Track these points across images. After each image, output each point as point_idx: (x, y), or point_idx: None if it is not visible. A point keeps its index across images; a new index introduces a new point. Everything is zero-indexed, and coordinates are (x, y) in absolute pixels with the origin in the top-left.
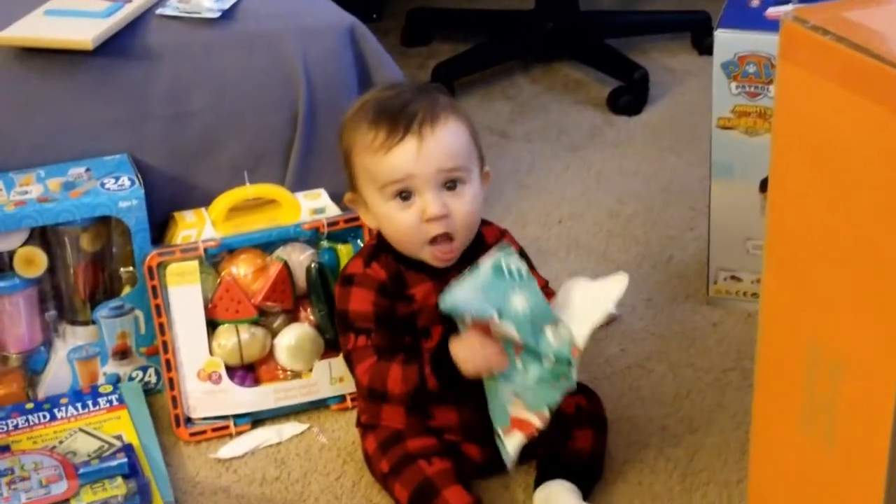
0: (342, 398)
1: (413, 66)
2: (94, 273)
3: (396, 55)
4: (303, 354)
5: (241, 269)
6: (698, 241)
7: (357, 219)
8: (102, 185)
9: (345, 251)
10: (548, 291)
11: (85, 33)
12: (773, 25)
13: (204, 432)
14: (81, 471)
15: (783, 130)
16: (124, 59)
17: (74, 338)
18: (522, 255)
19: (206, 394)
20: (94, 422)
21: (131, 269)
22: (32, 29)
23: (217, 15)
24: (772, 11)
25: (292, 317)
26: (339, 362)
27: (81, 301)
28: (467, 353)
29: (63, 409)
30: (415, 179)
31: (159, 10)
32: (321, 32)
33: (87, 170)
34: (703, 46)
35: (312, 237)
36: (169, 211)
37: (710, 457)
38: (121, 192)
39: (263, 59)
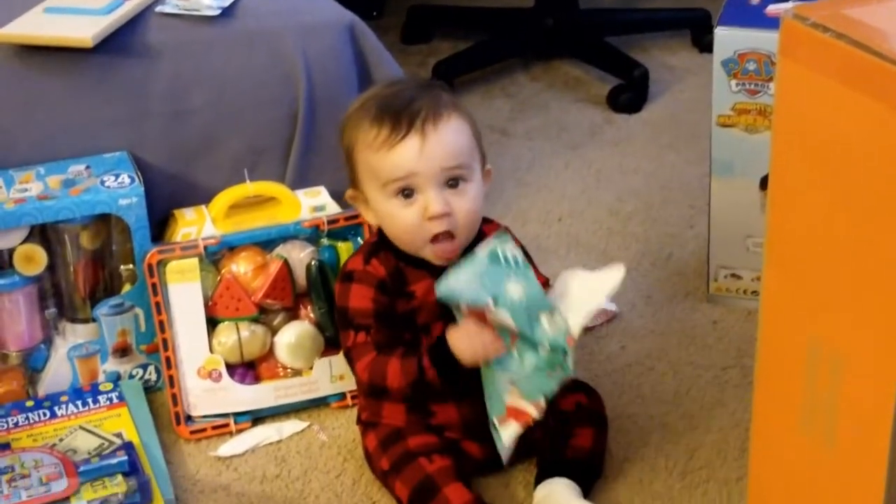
0: (342, 396)
1: (413, 63)
2: (94, 271)
3: (396, 53)
4: (303, 352)
5: (241, 266)
6: (698, 238)
7: (357, 216)
8: (102, 182)
9: (345, 249)
10: (548, 290)
11: (85, 31)
12: (773, 23)
13: (204, 430)
14: (81, 468)
15: (783, 128)
16: (124, 56)
17: (74, 335)
18: (523, 252)
19: (206, 391)
20: (94, 419)
21: (131, 266)
22: (32, 26)
23: (217, 12)
24: (772, 9)
25: (292, 314)
26: (339, 360)
27: (81, 299)
28: (464, 340)
29: (63, 406)
30: (417, 177)
31: (159, 8)
32: (321, 30)
33: (87, 167)
34: (703, 44)
35: (312, 235)
36: (169, 208)
37: (710, 454)
38: (121, 190)
39: (263, 56)
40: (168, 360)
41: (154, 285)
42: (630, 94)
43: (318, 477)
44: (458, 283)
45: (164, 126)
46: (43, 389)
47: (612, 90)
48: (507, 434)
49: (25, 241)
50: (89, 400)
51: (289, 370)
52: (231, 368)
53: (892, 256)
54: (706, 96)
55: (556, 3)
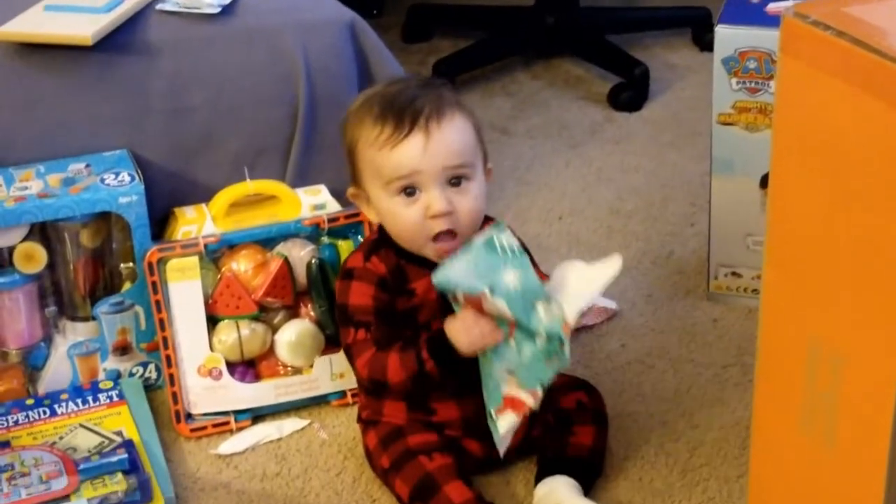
0: (343, 394)
1: (413, 62)
2: (94, 269)
3: (397, 51)
4: (303, 350)
5: (241, 264)
6: (699, 237)
7: (358, 214)
8: (102, 180)
9: (345, 247)
10: (546, 282)
11: (84, 29)
12: (773, 21)
13: (204, 428)
14: (82, 466)
15: (784, 126)
16: (124, 54)
17: (74, 334)
18: (524, 249)
19: (206, 389)
20: (94, 417)
21: (131, 264)
22: (32, 24)
23: (217, 10)
24: (772, 7)
25: (293, 313)
26: (339, 358)
27: (81, 297)
28: (461, 330)
29: (63, 404)
30: (420, 175)
31: (159, 6)
32: (321, 28)
33: (87, 165)
34: (704, 42)
35: (313, 233)
36: (169, 207)
37: (710, 452)
38: (121, 188)
39: (263, 54)
40: (168, 358)
41: (154, 283)
42: (631, 93)
43: (319, 475)
44: (455, 272)
45: (164, 124)
46: (43, 387)
47: (613, 88)
48: (503, 425)
49: (25, 239)
50: (89, 398)
51: (289, 368)
52: (231, 366)
53: (893, 255)
54: (707, 94)
55: (557, 1)
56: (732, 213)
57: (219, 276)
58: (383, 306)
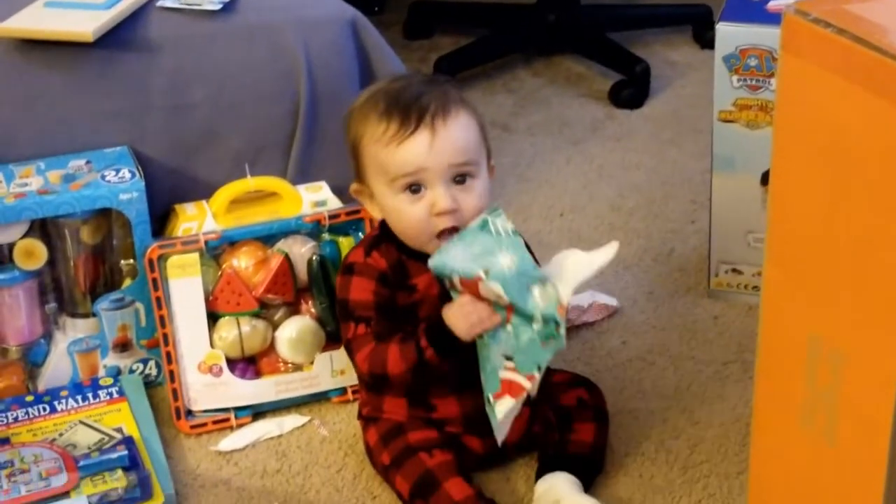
0: (343, 391)
1: (415, 59)
2: (94, 265)
3: (398, 48)
4: (304, 347)
5: (242, 261)
6: (699, 234)
7: (358, 211)
8: (103, 177)
9: (346, 244)
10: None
11: (85, 25)
12: (774, 18)
13: (205, 425)
14: (81, 463)
15: (785, 123)
16: (125, 51)
17: (75, 330)
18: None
19: (206, 386)
20: (94, 414)
21: (132, 261)
22: (33, 20)
23: (218, 7)
24: (773, 4)
25: (293, 309)
26: (340, 355)
27: (82, 293)
28: (459, 315)
29: (63, 401)
30: (426, 173)
31: (160, 2)
32: (322, 24)
33: (88, 162)
34: (705, 40)
35: (314, 230)
36: (170, 203)
37: (710, 449)
38: (121, 185)
39: (264, 51)
40: (168, 354)
41: (155, 280)
42: (632, 90)
43: (319, 471)
44: (451, 256)
45: (164, 120)
46: (43, 384)
47: (614, 86)
48: (502, 409)
49: (25, 235)
50: (89, 395)
51: (289, 365)
52: (232, 363)
53: (893, 253)
54: (708, 92)
55: None
56: (733, 210)
57: (219, 273)
58: (384, 301)
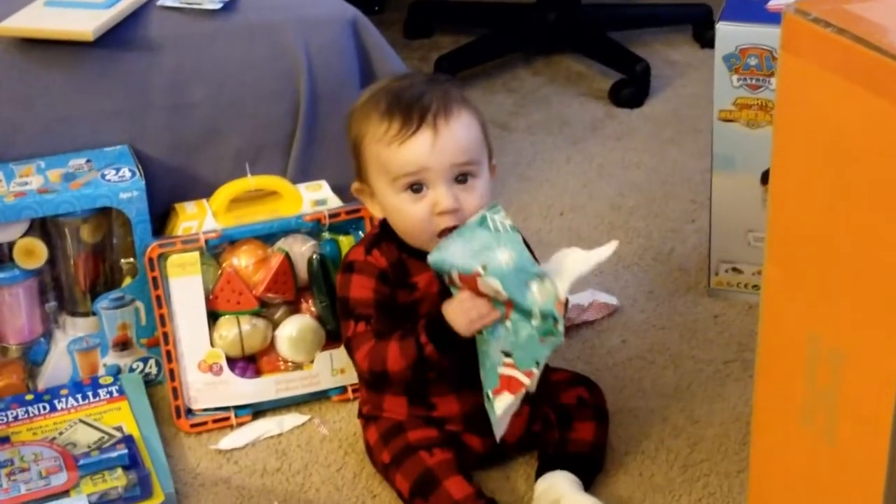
0: (343, 389)
1: (415, 58)
2: (94, 264)
3: (399, 47)
4: (304, 346)
5: (242, 260)
6: (699, 233)
7: (359, 210)
8: (103, 176)
9: (346, 242)
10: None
11: (86, 24)
12: (774, 18)
13: (205, 423)
14: (81, 462)
15: (785, 123)
16: (125, 50)
17: (75, 329)
18: (525, 246)
19: (206, 385)
20: (94, 413)
21: (132, 260)
22: (33, 20)
23: (218, 6)
24: (773, 4)
25: (294, 308)
26: (340, 353)
27: (82, 292)
28: (459, 311)
29: (63, 400)
30: (428, 172)
31: (160, 1)
32: (323, 24)
33: (88, 161)
34: (705, 39)
35: (314, 228)
36: (170, 202)
37: (710, 448)
38: (121, 184)
39: (265, 50)
40: (169, 353)
41: (155, 279)
42: (632, 89)
43: (319, 470)
44: (449, 252)
45: (165, 119)
46: (43, 383)
47: (614, 85)
48: (501, 405)
49: (26, 234)
50: (89, 393)
51: (290, 364)
52: (232, 362)
53: (893, 252)
54: (708, 91)
55: None
56: (733, 209)
57: (219, 272)
58: (384, 299)
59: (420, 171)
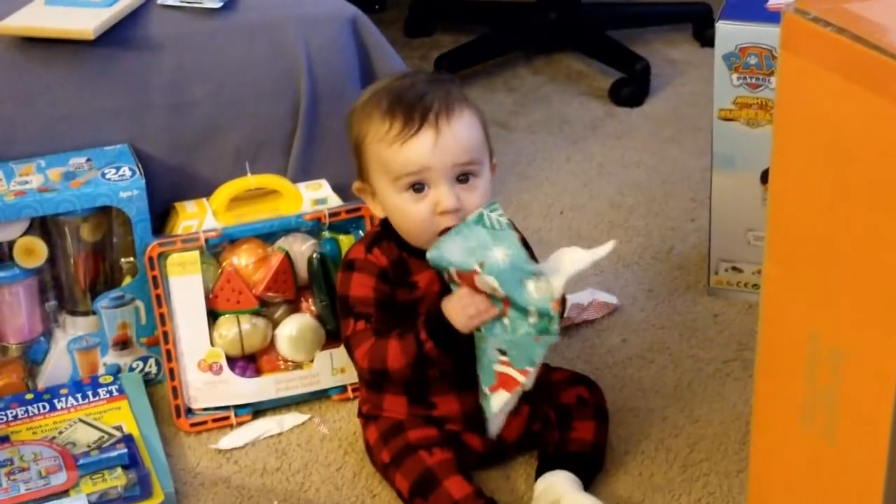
0: (343, 389)
1: (415, 57)
2: (94, 263)
3: (399, 46)
4: (304, 345)
5: (242, 259)
6: (699, 232)
7: (359, 209)
8: (103, 174)
9: (346, 241)
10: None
11: (86, 23)
12: (774, 17)
13: (204, 423)
14: (81, 461)
15: (784, 122)
16: (125, 48)
17: (75, 328)
18: (525, 245)
19: (206, 384)
20: (94, 412)
21: (132, 259)
22: (34, 18)
23: (218, 5)
24: (773, 3)
25: (294, 307)
26: (340, 353)
27: (82, 291)
28: (458, 308)
29: (63, 399)
30: (430, 172)
31: (160, 0)
32: (323, 22)
33: (88, 160)
34: (705, 38)
35: (314, 227)
36: (170, 201)
37: (710, 447)
38: (122, 182)
39: (265, 48)
40: (168, 352)
41: (155, 278)
42: (632, 88)
43: (319, 470)
44: (447, 249)
45: (165, 118)
46: (43, 382)
47: (614, 84)
48: (497, 402)
49: (26, 233)
50: (89, 393)
51: (290, 363)
52: (232, 361)
53: (893, 251)
54: (707, 90)
55: None
56: (733, 208)
57: (220, 271)
58: (384, 298)
59: (422, 170)
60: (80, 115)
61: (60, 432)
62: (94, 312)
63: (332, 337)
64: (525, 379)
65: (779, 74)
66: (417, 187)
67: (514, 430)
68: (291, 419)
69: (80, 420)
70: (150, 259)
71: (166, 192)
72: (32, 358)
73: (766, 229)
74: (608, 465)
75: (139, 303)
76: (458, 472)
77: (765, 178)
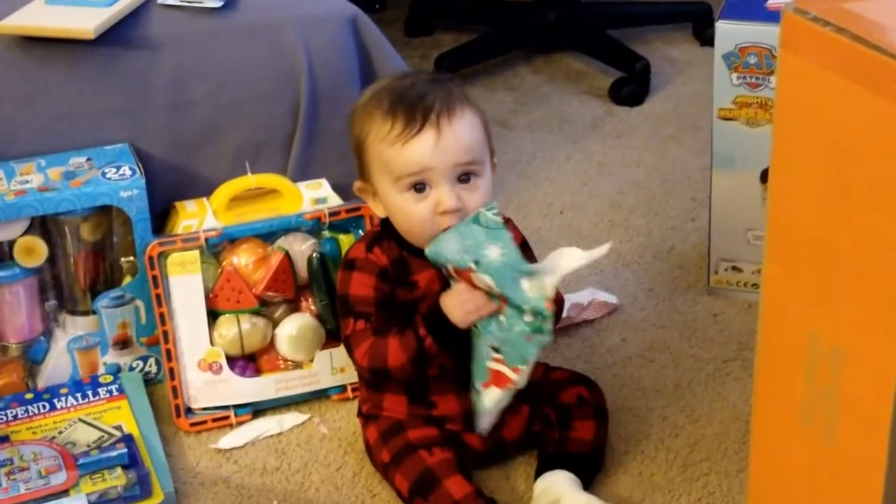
0: (343, 388)
1: (416, 56)
2: (94, 263)
3: (399, 45)
4: (304, 344)
5: (242, 258)
6: (699, 231)
7: (359, 208)
8: (103, 174)
9: (346, 241)
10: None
11: (86, 22)
12: (774, 16)
13: (204, 422)
14: (81, 461)
15: (784, 121)
16: (126, 48)
17: (75, 327)
18: (525, 244)
19: (206, 384)
20: (93, 412)
21: (132, 258)
22: (34, 18)
23: (219, 4)
24: (773, 2)
25: (293, 307)
26: (340, 352)
27: (82, 291)
28: (456, 303)
29: (63, 399)
30: (431, 172)
31: (161, 0)
32: (323, 22)
33: (88, 159)
34: (705, 37)
35: (314, 227)
36: (170, 200)
37: (710, 447)
38: (122, 182)
39: (265, 48)
40: (168, 352)
41: (155, 277)
42: (632, 87)
43: (319, 469)
44: (443, 246)
45: (165, 118)
46: (42, 382)
47: (614, 83)
48: (488, 399)
49: (26, 232)
50: (89, 392)
51: (289, 363)
52: (232, 361)
53: (893, 251)
54: (707, 89)
55: None
56: (733, 207)
57: (219, 270)
58: (384, 297)
59: (423, 170)
60: (80, 115)
61: (60, 432)
62: (94, 312)
63: (331, 336)
64: (517, 377)
65: (778, 74)
66: (419, 187)
67: (514, 429)
68: (291, 419)
69: (80, 420)
70: (150, 258)
71: (166, 192)
72: (32, 357)
73: (765, 229)
74: (608, 465)
75: (139, 302)
76: (458, 471)
77: (764, 177)
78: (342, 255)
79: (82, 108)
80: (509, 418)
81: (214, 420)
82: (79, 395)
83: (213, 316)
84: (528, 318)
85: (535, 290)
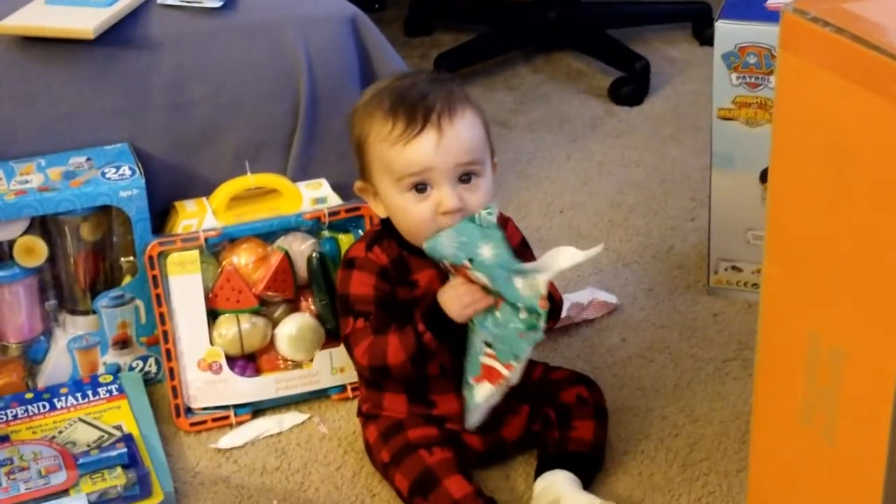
0: (343, 388)
1: (415, 56)
2: (94, 262)
3: (399, 45)
4: (304, 344)
5: (241, 258)
6: (699, 231)
7: (358, 208)
8: (103, 174)
9: (346, 241)
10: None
11: (86, 22)
12: (773, 16)
13: (204, 422)
14: (81, 461)
15: (784, 121)
16: (125, 48)
17: (74, 327)
18: (524, 244)
19: (206, 384)
20: (93, 412)
21: (132, 258)
22: (34, 18)
23: (218, 4)
24: (772, 2)
25: (293, 306)
26: (340, 352)
27: (82, 290)
28: (453, 297)
29: (63, 398)
30: (432, 172)
31: (160, 0)
32: (323, 22)
33: (88, 159)
34: (704, 37)
35: (314, 227)
36: (170, 200)
37: (710, 447)
38: (122, 182)
39: (265, 48)
40: (168, 352)
41: (155, 277)
42: (631, 87)
43: (319, 469)
44: (441, 242)
45: (165, 118)
46: (42, 381)
47: (614, 82)
48: (480, 395)
49: (26, 232)
50: (89, 392)
51: (289, 362)
52: (231, 360)
53: (892, 251)
54: (707, 89)
55: None
56: (733, 207)
57: (219, 270)
58: (384, 296)
59: (424, 171)
60: (80, 115)
61: (60, 432)
62: (94, 312)
63: (331, 336)
64: (509, 373)
65: (778, 74)
66: (420, 187)
67: (514, 429)
68: (291, 418)
69: (80, 419)
70: (150, 258)
71: (166, 192)
72: (32, 357)
73: (765, 229)
74: (608, 465)
75: (139, 302)
76: (457, 471)
77: (764, 177)
78: (342, 255)
79: (82, 108)
80: (509, 418)
81: (214, 420)
82: (79, 394)
83: (212, 316)
84: (522, 314)
85: (528, 289)
